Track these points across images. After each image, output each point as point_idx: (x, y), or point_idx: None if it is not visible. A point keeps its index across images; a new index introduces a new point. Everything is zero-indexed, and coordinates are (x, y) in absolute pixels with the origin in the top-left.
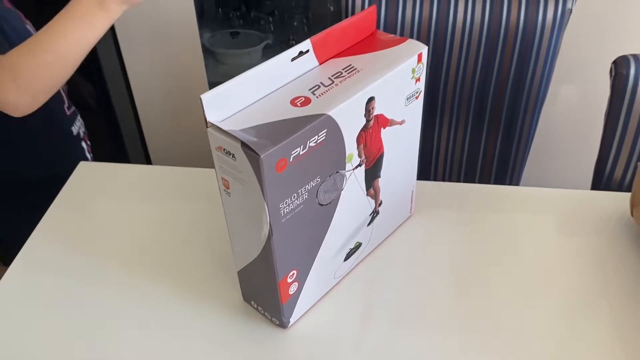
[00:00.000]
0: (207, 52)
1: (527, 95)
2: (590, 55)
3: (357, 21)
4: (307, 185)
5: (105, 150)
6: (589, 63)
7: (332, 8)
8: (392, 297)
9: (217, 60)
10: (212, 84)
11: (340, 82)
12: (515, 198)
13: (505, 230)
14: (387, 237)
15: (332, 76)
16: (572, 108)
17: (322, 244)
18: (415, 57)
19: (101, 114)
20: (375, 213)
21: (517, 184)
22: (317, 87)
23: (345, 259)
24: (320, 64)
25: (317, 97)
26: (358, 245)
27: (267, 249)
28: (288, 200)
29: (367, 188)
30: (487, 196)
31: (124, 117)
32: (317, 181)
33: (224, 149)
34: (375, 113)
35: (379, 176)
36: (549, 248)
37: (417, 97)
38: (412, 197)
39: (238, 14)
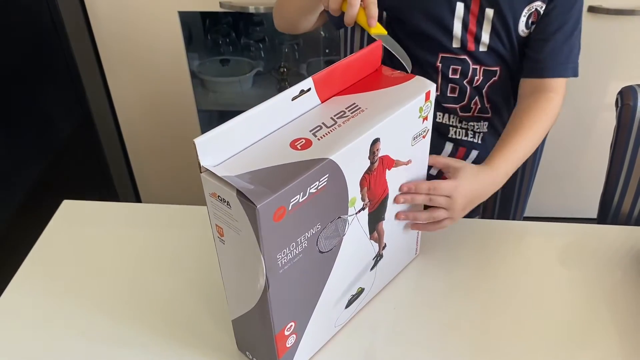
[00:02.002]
0: (197, 79)
1: None
2: (592, 84)
3: (361, 57)
4: (306, 233)
5: (92, 184)
6: (592, 92)
7: (323, 34)
8: (396, 346)
9: (207, 88)
10: (202, 112)
11: (344, 122)
12: (520, 233)
13: (510, 269)
14: (391, 280)
15: (334, 116)
16: (575, 137)
17: (322, 293)
18: (423, 96)
19: (86, 144)
20: (379, 257)
21: (521, 214)
22: (318, 128)
23: (347, 306)
24: (322, 102)
25: (318, 139)
26: (360, 291)
27: (263, 301)
28: (286, 250)
29: (371, 232)
30: (492, 232)
31: (111, 150)
32: (317, 228)
33: (219, 196)
34: (380, 154)
35: (383, 218)
36: (555, 286)
37: (424, 136)
38: (417, 237)
39: (227, 40)
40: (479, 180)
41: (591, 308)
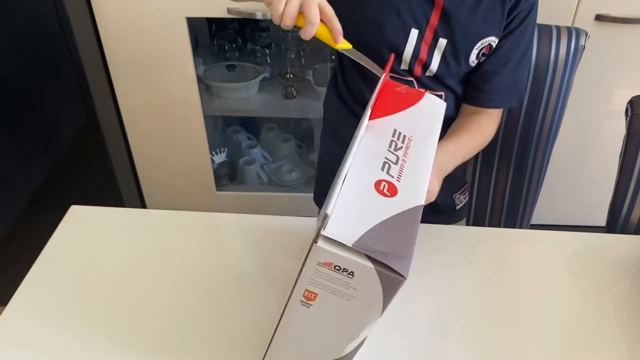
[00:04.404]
0: (202, 85)
1: (538, 133)
2: (599, 92)
3: (385, 77)
4: None
5: (97, 189)
6: (598, 100)
7: None
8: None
9: (212, 93)
10: (207, 118)
11: (404, 156)
12: (527, 242)
13: (517, 277)
14: None
15: (390, 148)
16: (582, 144)
17: None
18: (442, 116)
19: (92, 148)
20: None
21: (528, 223)
22: (387, 165)
23: None
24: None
25: (397, 180)
26: None
27: (351, 354)
28: None
29: None
30: (498, 240)
31: (116, 154)
32: None
33: (336, 266)
34: None
35: None
36: (563, 295)
37: None
38: None
39: (234, 46)
40: None
41: (600, 317)
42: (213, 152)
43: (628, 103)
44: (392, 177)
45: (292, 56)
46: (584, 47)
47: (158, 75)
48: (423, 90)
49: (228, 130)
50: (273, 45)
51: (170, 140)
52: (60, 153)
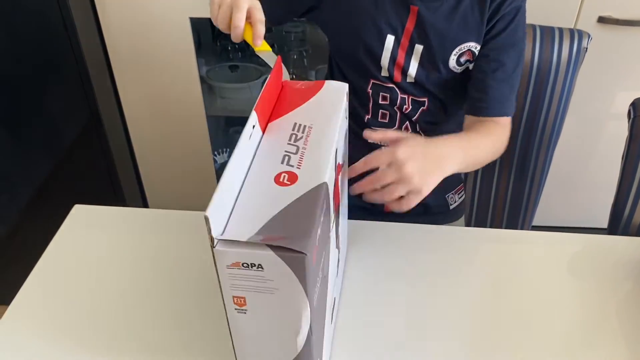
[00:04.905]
0: (205, 85)
1: (540, 134)
2: (602, 94)
3: (275, 79)
4: (320, 264)
5: (100, 188)
6: (601, 101)
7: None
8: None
9: (215, 93)
10: (210, 118)
11: (304, 144)
12: (529, 243)
13: (519, 278)
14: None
15: (290, 141)
16: (584, 146)
17: (326, 316)
18: (345, 97)
19: (94, 147)
20: (338, 261)
21: (530, 224)
22: (286, 157)
23: (332, 321)
24: (263, 133)
25: (297, 167)
26: (334, 301)
27: (307, 349)
28: (316, 289)
29: (336, 239)
30: (500, 241)
31: (119, 154)
32: (324, 254)
33: (243, 264)
34: (337, 163)
35: (339, 223)
36: (564, 296)
37: (347, 135)
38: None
39: (237, 46)
40: (427, 141)
41: (601, 319)
42: (215, 152)
43: (630, 105)
44: (292, 166)
45: (295, 57)
46: (587, 49)
47: (161, 75)
48: (323, 81)
49: (230, 131)
50: (276, 46)
51: (172, 140)
52: (62, 152)
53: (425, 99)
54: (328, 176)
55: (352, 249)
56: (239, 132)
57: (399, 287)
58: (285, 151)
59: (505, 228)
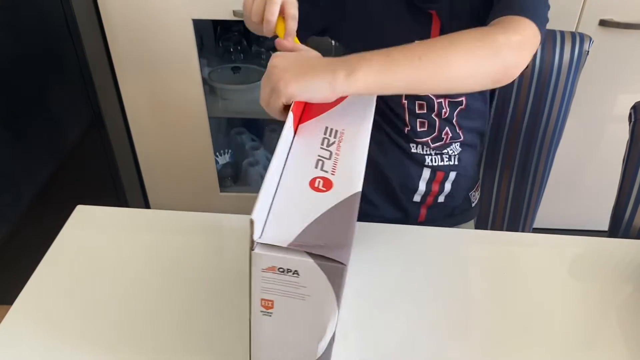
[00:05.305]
0: (207, 86)
1: (541, 137)
2: (603, 96)
3: None
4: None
5: (102, 189)
6: (602, 104)
7: (334, 43)
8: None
9: (217, 95)
10: (212, 119)
11: (337, 149)
12: (530, 245)
13: (519, 281)
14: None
15: (323, 145)
16: (585, 148)
17: None
18: (374, 102)
19: (97, 148)
20: None
21: (531, 226)
22: (320, 162)
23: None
24: (295, 134)
25: (332, 173)
26: None
27: (327, 353)
28: (342, 296)
29: None
30: (501, 244)
31: (121, 155)
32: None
33: (279, 268)
34: None
35: None
36: (564, 299)
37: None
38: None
39: (239, 48)
40: (316, 54)
41: (601, 321)
42: (217, 153)
43: (631, 108)
44: (327, 172)
45: None
46: (588, 52)
47: (163, 76)
48: None
49: (232, 132)
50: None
51: (174, 141)
52: (65, 153)
53: (463, 98)
54: (360, 184)
55: (354, 250)
56: (241, 133)
57: (400, 289)
58: (319, 155)
59: (506, 230)
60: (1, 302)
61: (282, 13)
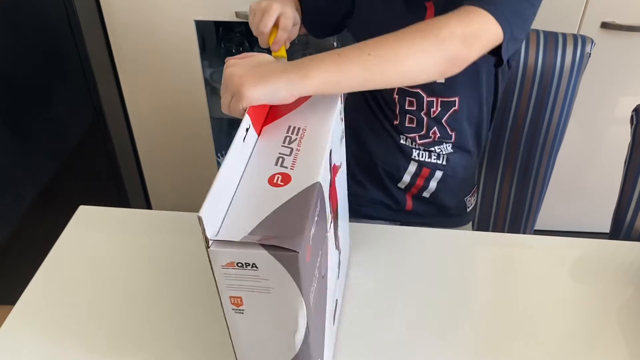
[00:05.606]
0: (208, 87)
1: (543, 139)
2: (604, 99)
3: None
4: (316, 263)
5: (104, 190)
6: (603, 106)
7: (336, 44)
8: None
9: (219, 95)
10: (213, 120)
11: (298, 145)
12: (531, 247)
13: (520, 283)
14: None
15: (284, 143)
16: (586, 150)
17: (326, 318)
18: (339, 99)
19: (99, 149)
20: (339, 262)
21: (532, 228)
22: (280, 158)
23: (334, 323)
24: (259, 136)
25: (291, 169)
26: (336, 303)
27: (304, 350)
28: (312, 287)
29: (335, 240)
30: (502, 245)
31: (123, 156)
32: (320, 254)
33: (238, 263)
34: (332, 164)
35: (339, 224)
36: (566, 301)
37: (344, 136)
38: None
39: (241, 49)
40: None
41: (602, 324)
42: (219, 154)
43: (633, 111)
44: (286, 167)
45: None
46: (590, 54)
47: (165, 77)
48: None
49: (234, 133)
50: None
51: (176, 142)
52: (66, 153)
53: (456, 99)
54: (321, 176)
55: (356, 251)
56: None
57: (402, 290)
58: (280, 153)
59: (508, 232)
60: (3, 302)
61: (277, 25)
